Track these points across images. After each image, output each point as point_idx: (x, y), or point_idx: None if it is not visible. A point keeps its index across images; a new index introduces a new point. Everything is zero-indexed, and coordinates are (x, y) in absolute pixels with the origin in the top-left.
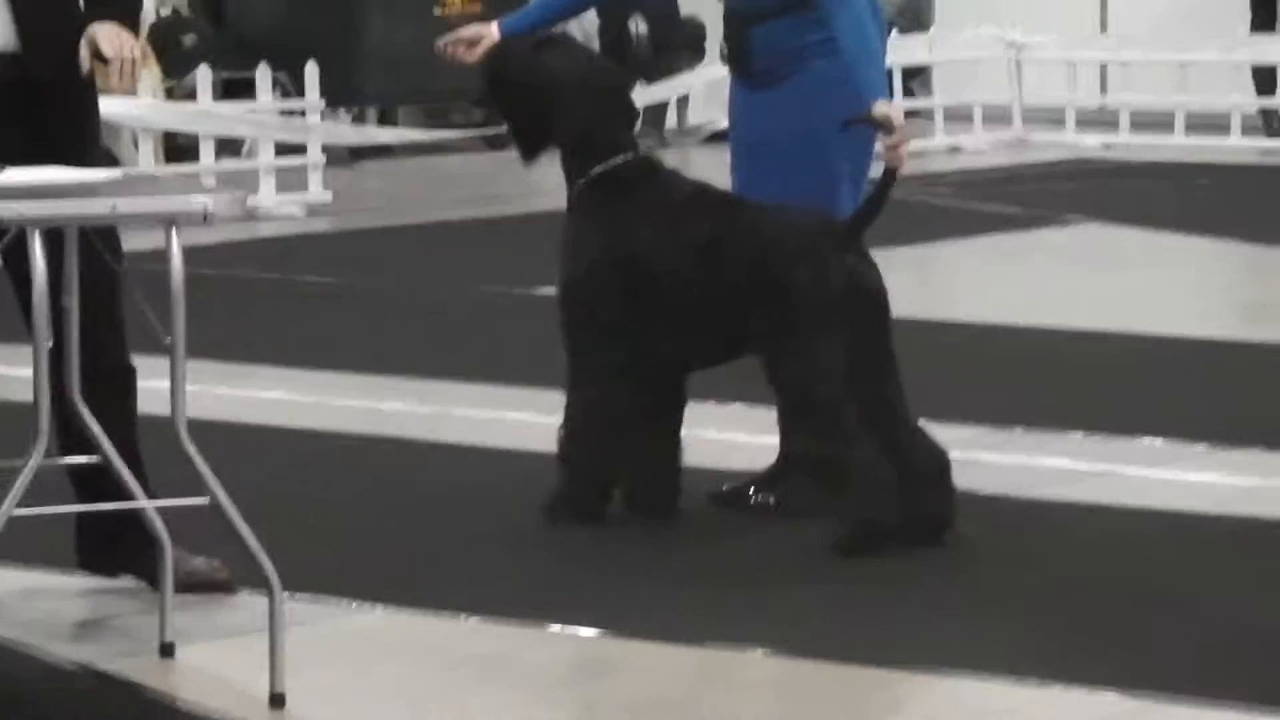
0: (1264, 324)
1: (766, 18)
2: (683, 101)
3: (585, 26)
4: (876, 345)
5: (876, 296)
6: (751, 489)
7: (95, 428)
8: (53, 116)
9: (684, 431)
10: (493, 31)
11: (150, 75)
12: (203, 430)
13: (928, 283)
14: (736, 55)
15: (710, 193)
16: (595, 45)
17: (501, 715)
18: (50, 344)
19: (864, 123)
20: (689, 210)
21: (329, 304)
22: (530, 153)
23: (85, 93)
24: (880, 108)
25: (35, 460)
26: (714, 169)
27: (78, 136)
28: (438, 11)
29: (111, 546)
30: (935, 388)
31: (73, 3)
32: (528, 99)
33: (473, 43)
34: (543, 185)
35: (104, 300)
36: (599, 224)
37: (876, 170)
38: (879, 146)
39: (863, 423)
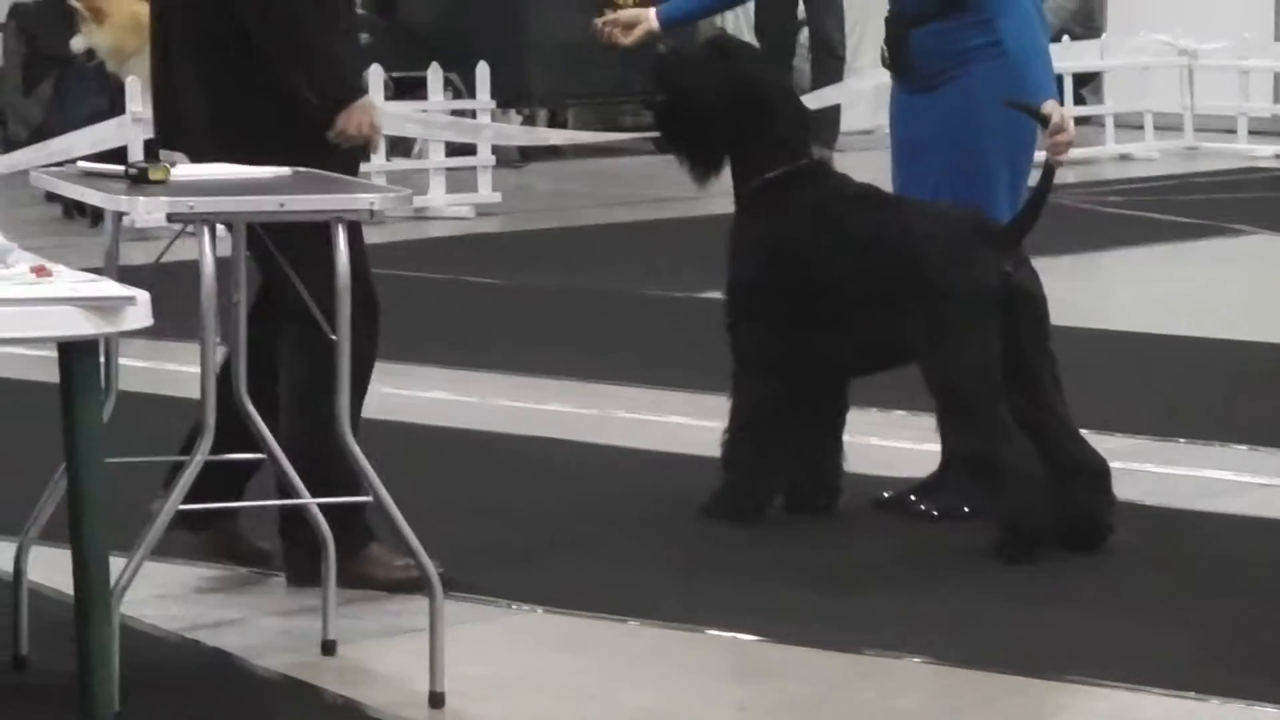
0: None
1: (928, 20)
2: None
3: (742, 20)
4: (1035, 349)
5: (1034, 300)
6: (913, 496)
7: (261, 426)
8: None
9: (846, 438)
10: (650, 17)
11: None
12: (367, 429)
13: (1095, 290)
14: (896, 58)
15: (875, 195)
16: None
17: (658, 715)
18: (218, 340)
19: (1027, 111)
20: (854, 211)
21: (495, 304)
22: (704, 169)
23: None
24: (1049, 106)
25: (201, 456)
26: (879, 174)
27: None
28: (609, 11)
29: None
30: (1099, 397)
31: None
32: (706, 108)
33: (630, 25)
34: (709, 189)
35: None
36: (767, 227)
37: (1033, 179)
38: (1039, 151)
39: (1022, 427)
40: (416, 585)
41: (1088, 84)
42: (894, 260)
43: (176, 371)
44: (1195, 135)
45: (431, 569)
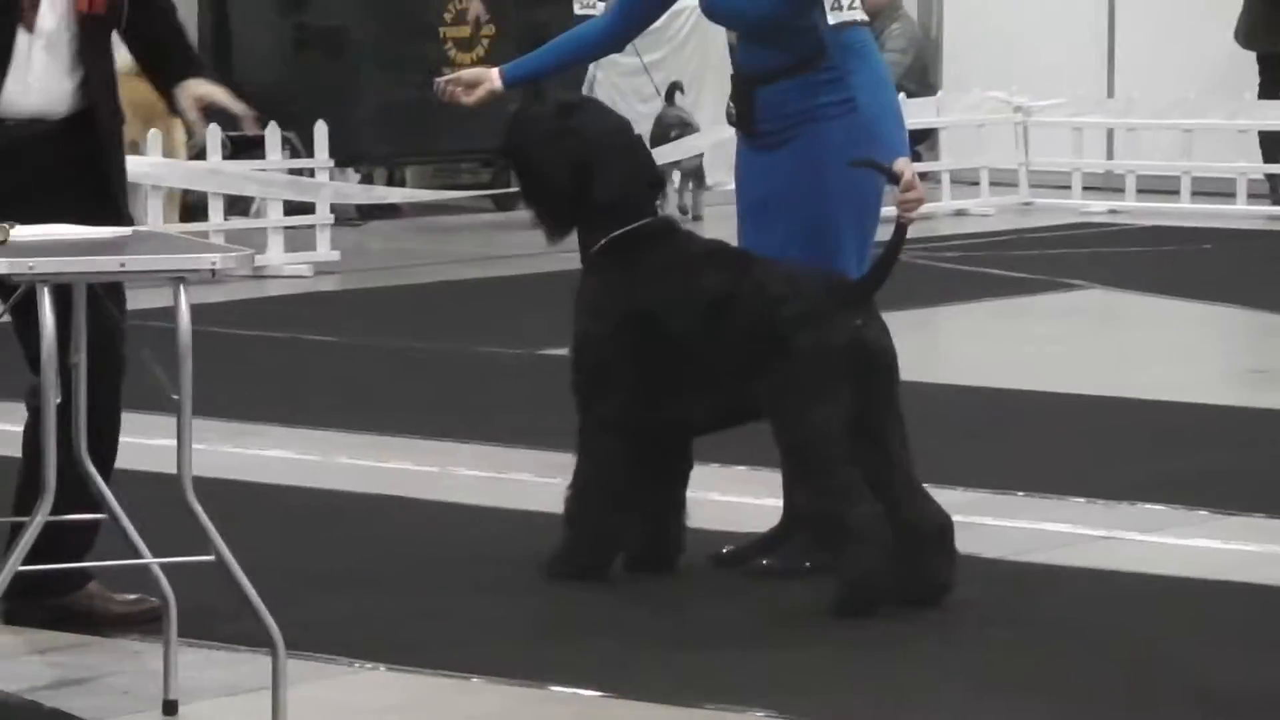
0: (1266, 390)
1: (776, 78)
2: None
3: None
4: (884, 406)
5: (885, 357)
6: (754, 551)
7: (102, 485)
8: (98, 178)
9: (689, 493)
10: (494, 77)
11: (178, 132)
12: (208, 488)
13: (932, 345)
14: (743, 115)
15: (725, 251)
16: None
17: None
18: (58, 400)
19: (878, 168)
20: (703, 268)
21: (335, 363)
22: (553, 226)
23: (121, 154)
24: (900, 163)
25: (41, 517)
26: (719, 231)
27: (115, 196)
28: (447, 71)
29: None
30: (938, 451)
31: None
32: (556, 167)
33: (472, 85)
34: (557, 245)
35: (108, 352)
36: (614, 283)
37: (883, 234)
38: (886, 208)
39: (867, 484)
40: (142, 619)
41: (923, 141)
42: (744, 318)
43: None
44: (1030, 191)
45: (274, 627)
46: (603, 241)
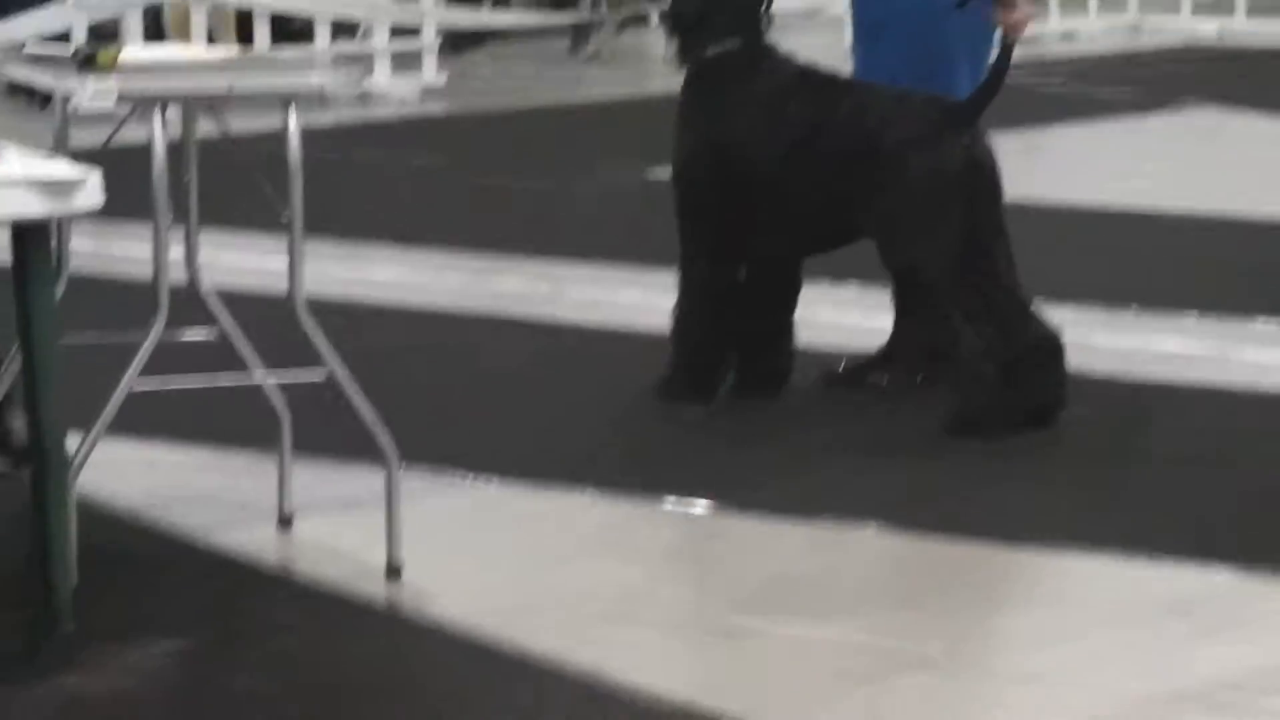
0: None
1: None
2: None
3: None
4: (991, 226)
5: (990, 174)
6: (865, 369)
7: (214, 302)
8: None
9: (798, 313)
10: None
11: None
12: (319, 308)
13: (1041, 166)
14: None
15: (824, 76)
16: None
17: (615, 586)
18: (170, 220)
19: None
20: (803, 91)
21: (443, 186)
22: (675, 46)
23: None
24: None
25: (155, 334)
26: (824, 54)
27: None
28: None
29: None
30: (1048, 270)
31: None
32: None
33: None
34: (656, 68)
35: None
36: (708, 108)
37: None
38: (998, 25)
39: (977, 303)
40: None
41: None
42: (850, 142)
43: (126, 254)
44: (1139, 13)
45: (388, 442)
46: (701, 62)
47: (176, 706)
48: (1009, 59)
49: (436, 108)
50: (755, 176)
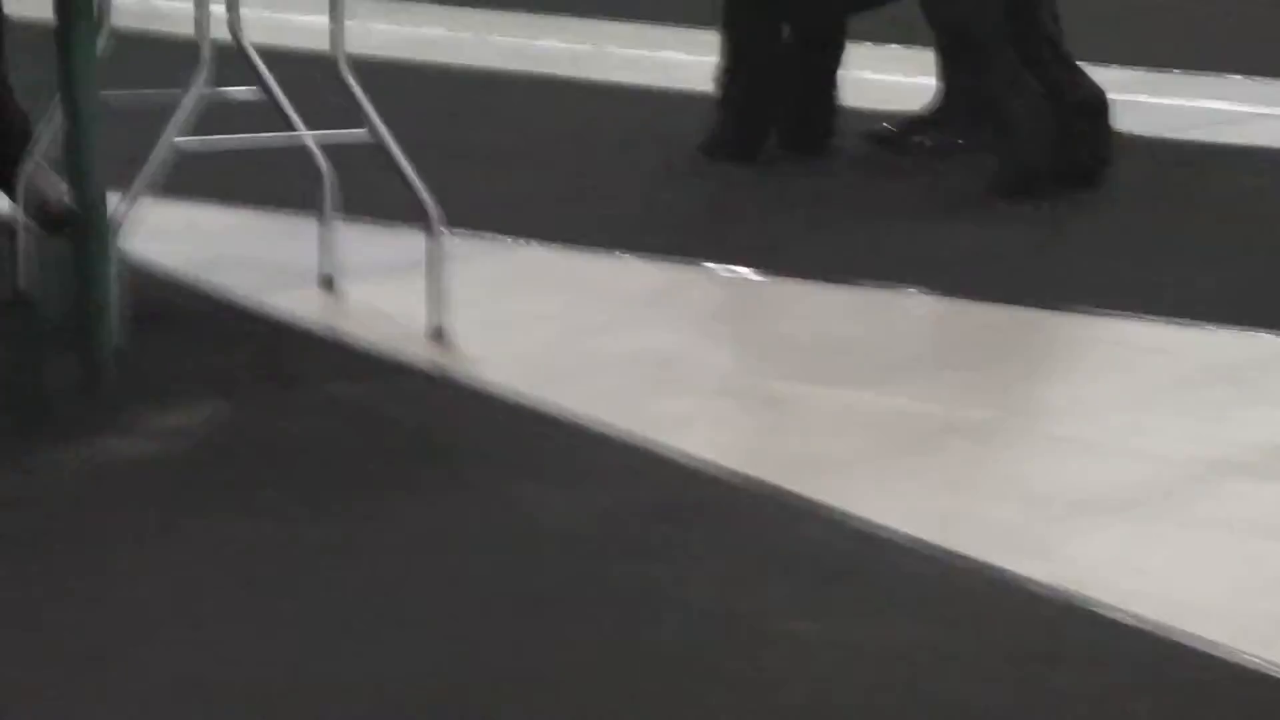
0: None
1: None
2: None
3: None
4: None
5: None
6: (909, 130)
7: (255, 58)
8: None
9: (841, 72)
10: None
11: None
12: (362, 67)
13: None
14: None
15: None
16: None
17: (658, 351)
18: None
19: None
20: None
21: None
22: None
23: None
24: None
25: (197, 91)
26: None
27: None
28: None
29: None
30: (1094, 30)
31: None
32: None
33: None
34: None
35: None
36: None
37: None
38: None
39: (1022, 61)
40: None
41: None
42: None
43: (169, 8)
44: None
45: (430, 203)
46: None
47: (216, 466)
48: None
49: None
50: None
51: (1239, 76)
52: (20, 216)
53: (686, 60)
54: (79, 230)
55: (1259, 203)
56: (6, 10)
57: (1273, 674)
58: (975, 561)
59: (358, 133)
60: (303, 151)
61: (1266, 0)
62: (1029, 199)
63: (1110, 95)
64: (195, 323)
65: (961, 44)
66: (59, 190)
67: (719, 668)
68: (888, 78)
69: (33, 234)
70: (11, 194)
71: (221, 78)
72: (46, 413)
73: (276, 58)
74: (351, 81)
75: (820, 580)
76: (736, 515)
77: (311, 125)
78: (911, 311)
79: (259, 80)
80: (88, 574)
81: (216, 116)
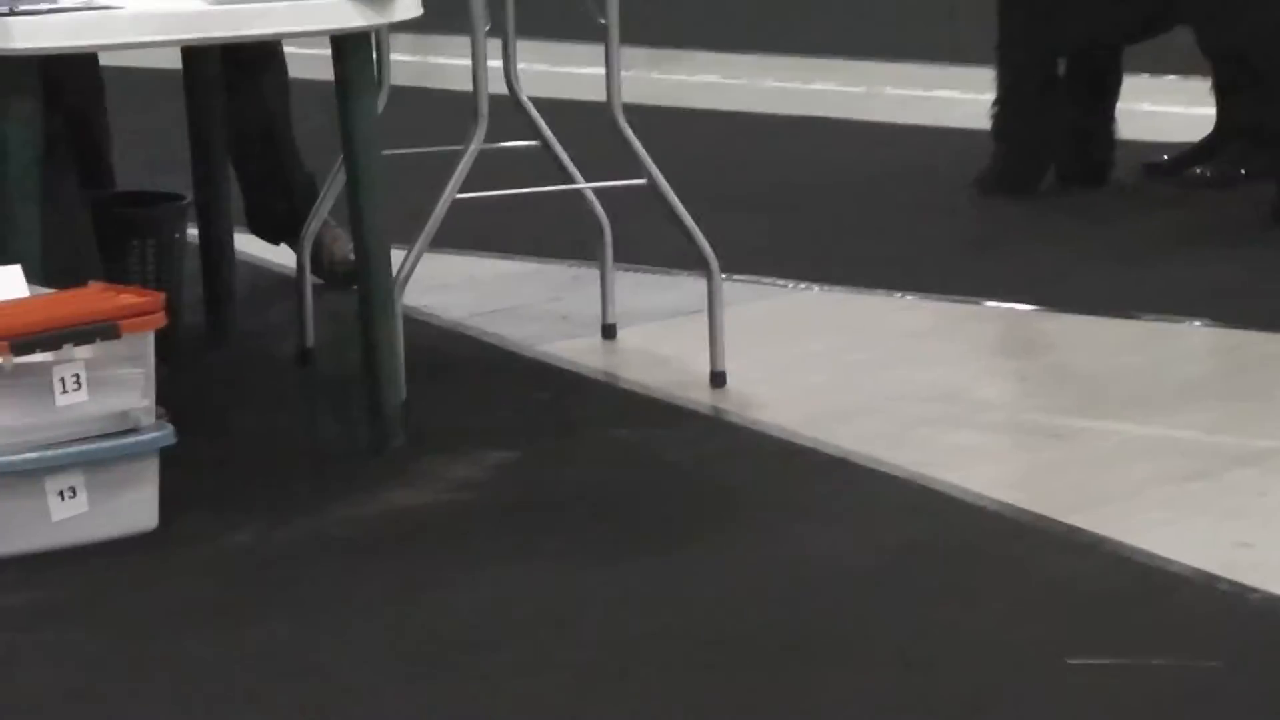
0: None
1: None
2: None
3: None
4: None
5: None
6: (1187, 160)
7: (533, 111)
8: None
9: (1118, 105)
10: None
11: None
12: (637, 114)
13: None
14: None
15: None
16: None
17: (936, 388)
18: (488, 28)
19: None
20: None
21: None
22: None
23: None
24: None
25: (476, 145)
26: None
27: None
28: None
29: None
30: None
31: None
32: None
33: None
34: None
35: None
36: None
37: None
38: None
39: None
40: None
41: None
42: None
43: (445, 65)
44: None
45: (708, 249)
46: None
47: (503, 515)
48: None
49: None
50: None
51: None
52: (307, 274)
53: (961, 98)
54: (364, 286)
55: None
56: (291, 73)
57: None
58: (1269, 595)
59: (635, 182)
60: (581, 201)
61: None
62: None
63: None
64: (478, 374)
65: (1239, 72)
66: (345, 248)
67: (1016, 705)
68: (1165, 109)
69: (319, 291)
70: (299, 252)
71: (499, 131)
72: (337, 468)
73: (553, 109)
74: (628, 131)
75: (1111, 615)
76: (1023, 551)
77: (589, 174)
78: (1194, 343)
79: (537, 133)
80: (376, 621)
81: (495, 168)
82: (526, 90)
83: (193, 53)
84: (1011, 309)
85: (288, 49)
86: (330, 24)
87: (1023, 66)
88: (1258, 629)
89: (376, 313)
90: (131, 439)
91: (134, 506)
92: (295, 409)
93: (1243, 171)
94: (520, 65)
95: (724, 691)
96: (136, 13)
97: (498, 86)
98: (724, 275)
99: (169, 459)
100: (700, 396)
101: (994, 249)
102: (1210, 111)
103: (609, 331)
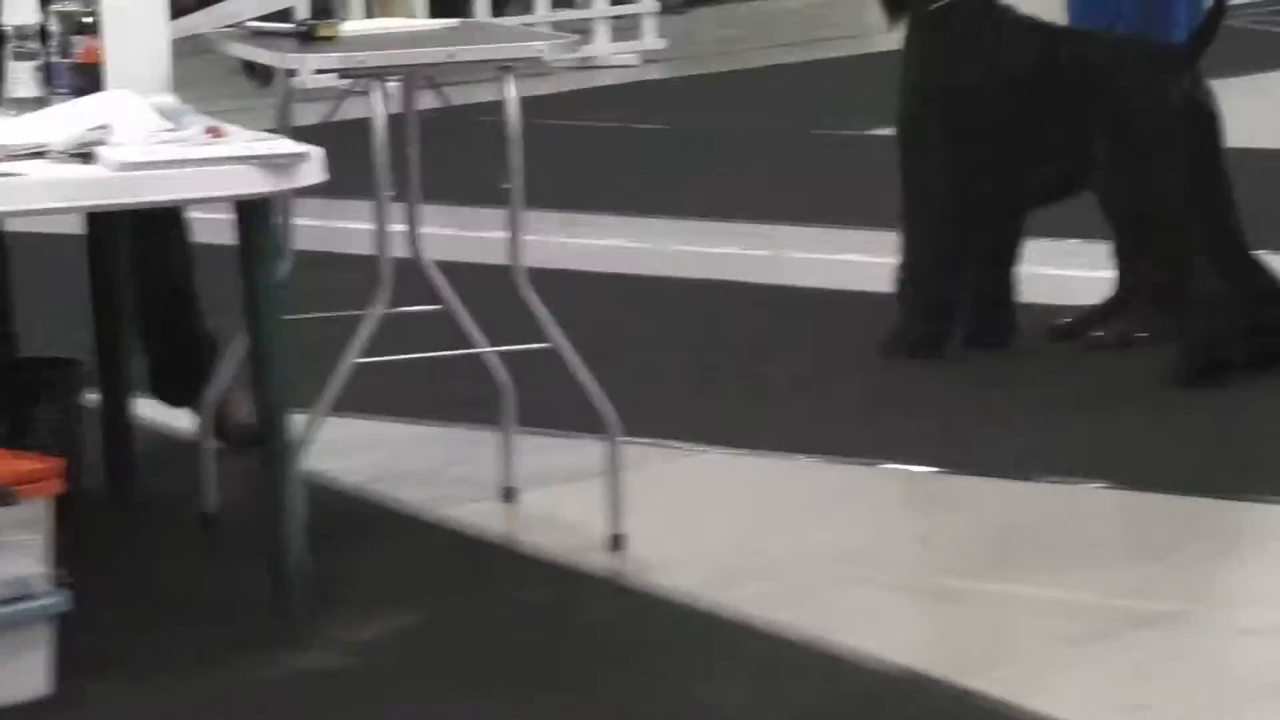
0: None
1: None
2: None
3: None
4: (1213, 171)
5: (1212, 121)
6: (1089, 324)
7: (436, 276)
8: None
9: (1020, 268)
10: None
11: None
12: (542, 278)
13: (1262, 111)
14: None
15: (1044, 26)
16: None
17: (836, 550)
18: (391, 195)
19: None
20: (1022, 44)
21: (664, 150)
22: (893, 4)
23: None
24: None
25: (378, 310)
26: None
27: None
28: None
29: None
30: (1271, 217)
31: None
32: None
33: None
34: (876, 25)
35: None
36: (933, 61)
37: None
38: None
39: (1202, 250)
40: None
41: None
42: (1071, 89)
43: (350, 229)
44: None
45: (609, 413)
46: (920, 16)
47: (402, 677)
48: (1225, 4)
49: (657, 71)
50: (980, 126)
51: None
52: (209, 438)
53: (866, 262)
54: (266, 450)
55: None
56: (195, 237)
57: None
58: None
59: (537, 346)
60: (483, 363)
61: None
62: (1211, 386)
63: None
64: (380, 538)
65: (1141, 234)
66: (246, 411)
67: None
68: (1067, 272)
69: (221, 455)
70: (201, 416)
71: (404, 294)
72: (239, 631)
73: (459, 272)
74: (531, 295)
75: None
76: (920, 715)
77: (494, 337)
78: (1094, 505)
79: (439, 295)
80: None
81: (399, 331)
82: (432, 254)
83: (96, 216)
84: (913, 471)
85: (192, 212)
86: (234, 190)
87: (927, 230)
88: None
89: (278, 476)
90: (24, 605)
91: (24, 673)
92: (197, 572)
93: (1144, 334)
94: (426, 229)
95: None
96: (42, 179)
97: (402, 250)
98: (626, 438)
99: (68, 623)
100: (601, 559)
101: (897, 412)
102: (1111, 274)
103: (509, 495)
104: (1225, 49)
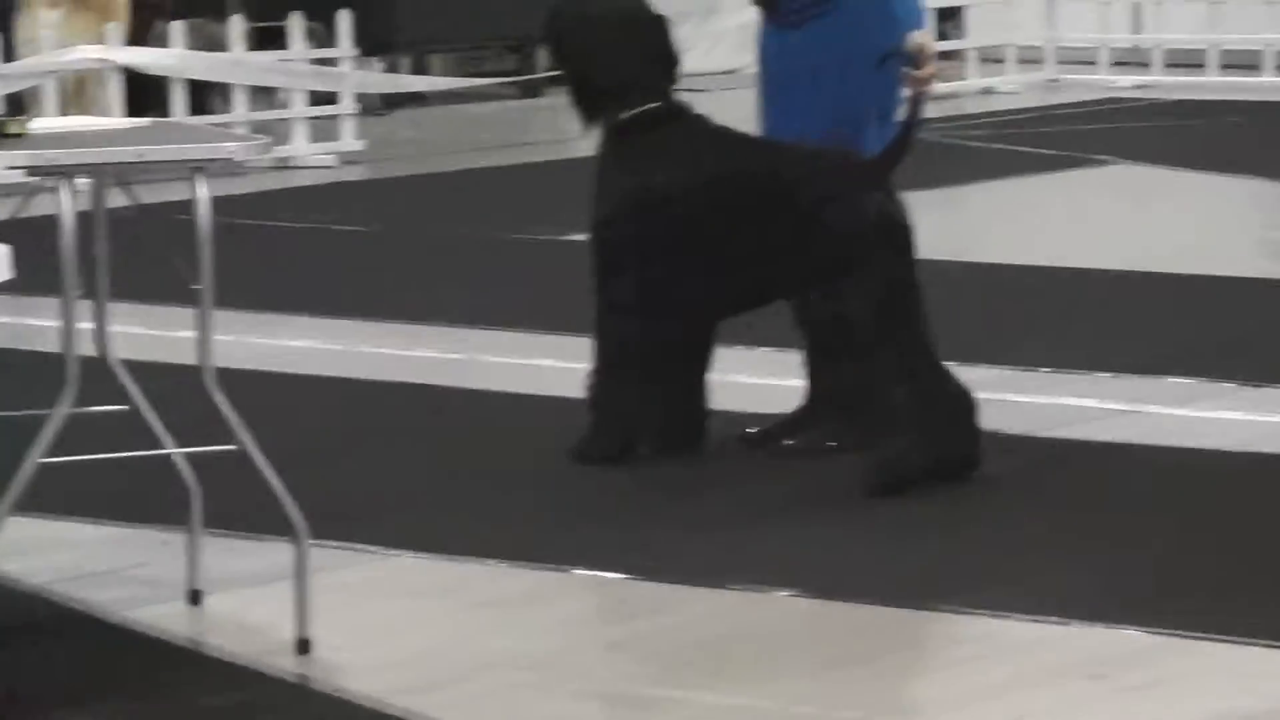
0: None
1: None
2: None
3: None
4: (905, 283)
5: (902, 232)
6: (779, 432)
7: (124, 375)
8: None
9: (712, 375)
10: None
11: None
12: (232, 378)
13: (959, 224)
14: None
15: (737, 137)
16: None
17: (527, 657)
18: (80, 293)
19: (900, 56)
20: (715, 154)
21: (361, 252)
22: (582, 111)
23: None
24: (916, 38)
25: (64, 409)
26: (743, 112)
27: None
28: None
29: None
30: (963, 329)
31: None
32: (569, 52)
33: None
34: (574, 131)
35: None
36: (626, 169)
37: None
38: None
39: (893, 360)
40: None
41: (950, 19)
42: (761, 201)
43: (39, 326)
44: (1057, 67)
45: (298, 516)
46: (613, 124)
47: None
48: (918, 114)
49: (355, 173)
50: (671, 234)
51: (1107, 374)
52: None
53: (559, 366)
54: None
55: (1123, 499)
56: None
57: None
58: None
59: (225, 448)
60: (171, 464)
61: (1135, 296)
62: (900, 495)
63: (978, 394)
64: (62, 640)
65: (833, 344)
66: None
67: None
68: (759, 380)
69: None
70: None
71: (93, 394)
72: None
73: (149, 371)
74: (219, 395)
75: None
76: None
77: (183, 438)
78: (781, 612)
79: (127, 395)
80: None
81: (87, 431)
82: (122, 353)
83: None
84: (602, 577)
85: None
86: None
87: (620, 337)
88: None
89: None
90: None
91: None
92: None
93: (833, 443)
94: (115, 328)
95: None
96: None
97: (89, 348)
98: (315, 541)
99: None
100: (287, 664)
101: (586, 517)
102: (802, 384)
103: (196, 597)
104: (918, 162)
